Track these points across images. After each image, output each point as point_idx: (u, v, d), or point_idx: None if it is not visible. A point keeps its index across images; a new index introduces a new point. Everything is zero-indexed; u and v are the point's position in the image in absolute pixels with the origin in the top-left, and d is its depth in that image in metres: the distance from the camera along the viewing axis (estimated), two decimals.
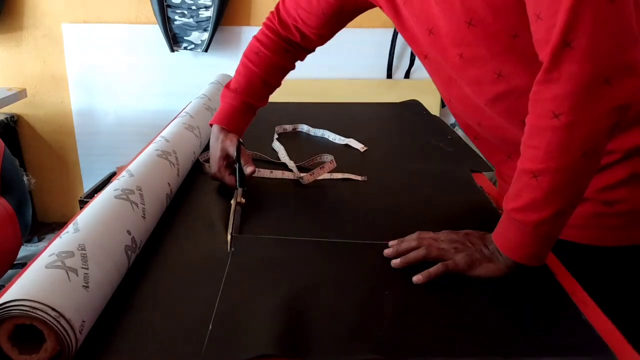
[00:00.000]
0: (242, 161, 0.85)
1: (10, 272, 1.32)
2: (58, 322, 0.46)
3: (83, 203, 1.56)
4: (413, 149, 1.14)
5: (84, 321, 0.49)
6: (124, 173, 0.75)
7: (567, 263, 0.67)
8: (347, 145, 1.14)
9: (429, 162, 1.04)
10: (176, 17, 2.03)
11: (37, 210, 2.36)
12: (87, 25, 2.12)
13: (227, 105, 0.91)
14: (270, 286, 0.61)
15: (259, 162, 1.01)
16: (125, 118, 2.22)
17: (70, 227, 0.60)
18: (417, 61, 2.13)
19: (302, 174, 0.92)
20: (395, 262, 0.65)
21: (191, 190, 0.89)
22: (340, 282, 0.62)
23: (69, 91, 2.21)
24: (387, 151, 1.12)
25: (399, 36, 2.11)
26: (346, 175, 0.95)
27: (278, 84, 0.96)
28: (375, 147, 1.12)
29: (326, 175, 0.93)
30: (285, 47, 0.94)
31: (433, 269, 0.62)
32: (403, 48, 2.15)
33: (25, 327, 0.47)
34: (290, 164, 0.99)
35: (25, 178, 1.48)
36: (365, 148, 1.11)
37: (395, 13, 0.79)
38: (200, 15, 2.02)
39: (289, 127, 1.23)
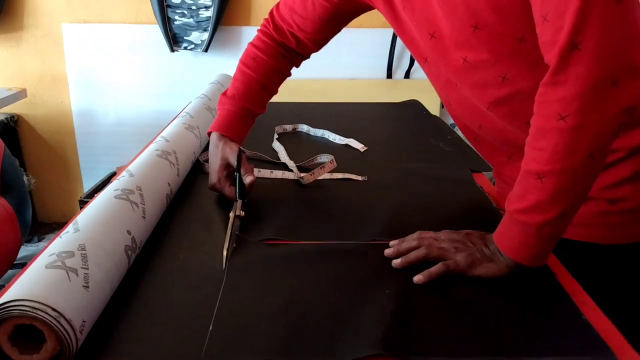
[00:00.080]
0: (242, 170, 0.81)
1: (10, 272, 1.32)
2: (58, 322, 0.46)
3: (83, 203, 1.56)
4: (413, 149, 1.14)
5: (84, 321, 0.49)
6: (124, 173, 0.75)
7: (572, 262, 0.66)
8: (347, 145, 1.14)
9: (429, 162, 1.04)
10: (176, 17, 2.03)
11: (37, 210, 2.36)
12: (87, 25, 2.12)
13: (226, 112, 0.88)
14: (270, 287, 0.61)
15: (259, 162, 1.01)
16: (125, 118, 2.22)
17: (70, 227, 0.60)
18: (417, 61, 2.13)
19: (302, 174, 0.92)
20: (396, 262, 0.65)
21: (191, 190, 0.89)
22: (341, 283, 0.62)
23: (69, 91, 2.21)
24: (387, 151, 1.12)
25: None
26: (346, 175, 0.95)
27: (275, 90, 0.95)
28: (375, 147, 1.12)
29: (326, 175, 0.93)
30: (282, 52, 0.93)
31: (434, 269, 0.62)
32: (403, 48, 2.14)
33: (26, 327, 0.47)
34: (291, 164, 0.99)
35: (25, 178, 1.48)
36: (365, 148, 1.11)
37: (394, 16, 0.78)
38: (200, 15, 2.02)
39: (289, 127, 1.23)
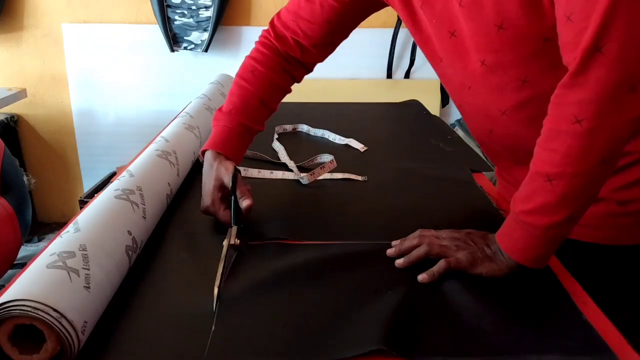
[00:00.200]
0: (237, 193, 0.73)
1: (10, 272, 1.32)
2: (60, 322, 0.46)
3: (83, 203, 1.56)
4: (413, 149, 1.14)
5: (85, 322, 0.49)
6: (124, 173, 0.75)
7: (576, 262, 0.66)
8: (347, 145, 1.14)
9: (429, 162, 1.04)
10: (176, 17, 2.03)
11: (37, 210, 2.36)
12: (87, 25, 2.12)
13: (221, 128, 0.81)
14: (271, 287, 0.61)
15: (259, 162, 1.01)
16: (125, 118, 2.23)
17: (70, 227, 0.60)
18: (417, 61, 2.13)
19: (302, 174, 0.92)
20: (398, 262, 0.66)
21: (191, 190, 0.89)
22: (342, 283, 0.62)
23: (69, 91, 2.21)
24: (387, 151, 1.12)
25: (399, 36, 2.11)
26: (346, 175, 0.95)
27: (275, 107, 0.88)
28: (375, 147, 1.12)
29: (326, 175, 0.93)
30: (283, 64, 0.87)
31: (436, 267, 0.62)
32: (403, 48, 2.15)
33: (26, 327, 0.47)
34: (291, 164, 0.99)
35: (25, 178, 1.48)
36: (365, 148, 1.11)
37: (410, 14, 0.76)
38: (200, 15, 2.02)
39: (289, 127, 1.23)
